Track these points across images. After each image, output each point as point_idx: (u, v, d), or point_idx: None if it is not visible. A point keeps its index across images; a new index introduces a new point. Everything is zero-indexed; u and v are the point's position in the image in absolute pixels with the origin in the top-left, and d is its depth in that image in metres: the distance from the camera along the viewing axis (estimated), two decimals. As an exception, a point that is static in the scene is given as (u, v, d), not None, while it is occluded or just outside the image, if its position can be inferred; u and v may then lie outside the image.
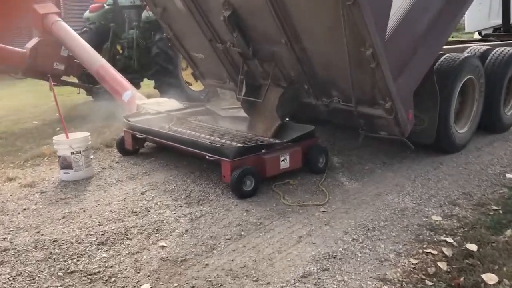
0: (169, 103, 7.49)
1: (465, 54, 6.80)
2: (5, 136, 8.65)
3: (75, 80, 11.42)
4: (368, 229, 4.44)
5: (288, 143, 5.70)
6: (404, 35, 5.16)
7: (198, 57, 7.33)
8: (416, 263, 3.88)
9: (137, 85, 12.28)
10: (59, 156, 5.85)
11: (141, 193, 5.37)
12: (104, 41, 11.51)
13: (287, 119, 6.43)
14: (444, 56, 6.60)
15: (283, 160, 5.54)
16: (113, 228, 4.49)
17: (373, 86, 5.28)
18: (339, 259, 3.91)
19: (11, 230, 4.52)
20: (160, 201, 5.12)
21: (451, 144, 6.72)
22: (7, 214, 4.91)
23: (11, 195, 5.47)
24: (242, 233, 4.36)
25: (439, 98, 6.09)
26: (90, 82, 10.83)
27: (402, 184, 5.65)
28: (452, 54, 6.68)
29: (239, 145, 5.71)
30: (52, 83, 10.41)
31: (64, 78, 10.68)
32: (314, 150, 5.95)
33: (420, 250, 4.09)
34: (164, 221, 4.62)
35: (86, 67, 9.23)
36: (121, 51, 11.74)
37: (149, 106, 7.17)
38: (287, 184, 5.61)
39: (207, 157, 5.35)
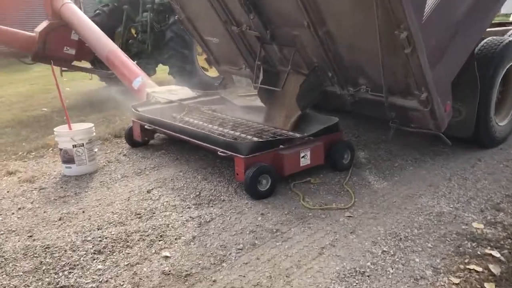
0: (181, 91, 6.98)
1: (508, 38, 6.08)
2: (12, 124, 8.28)
3: (87, 65, 11.00)
4: (400, 238, 3.88)
5: (309, 137, 5.13)
6: (443, 18, 4.51)
7: (212, 41, 6.78)
8: (458, 283, 3.32)
9: (151, 70, 11.84)
10: (61, 149, 5.40)
11: (147, 191, 4.89)
12: (117, 24, 11.04)
13: (308, 110, 5.83)
14: (485, 40, 5.90)
15: (303, 157, 4.99)
16: (112, 233, 4.02)
17: (407, 74, 4.66)
18: (368, 276, 3.37)
19: (2, 234, 4.09)
20: (167, 201, 4.63)
21: (491, 138, 6.05)
22: (0, 214, 4.49)
23: (8, 192, 5.06)
24: (256, 241, 3.84)
25: (479, 87, 5.43)
26: (102, 67, 10.38)
27: (437, 184, 5.04)
28: (494, 38, 5.97)
29: (254, 139, 5.17)
30: (62, 69, 10.16)
31: (75, 63, 10.25)
32: (338, 144, 5.37)
33: (462, 266, 3.52)
34: (170, 226, 4.13)
35: (96, 52, 8.75)
36: (135, 35, 11.25)
37: (159, 95, 6.67)
38: (308, 183, 5.06)
39: (218, 152, 4.83)
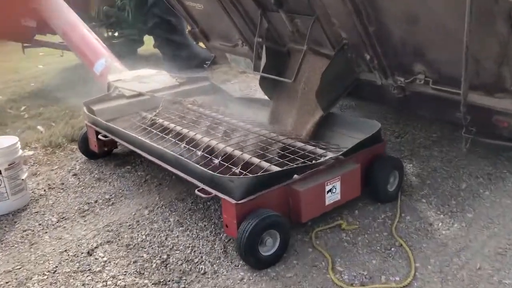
0: (156, 78, 5.13)
1: None
2: None
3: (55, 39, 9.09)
4: None
5: (340, 156, 3.31)
6: None
7: (195, 7, 4.87)
8: None
9: (138, 43, 9.94)
10: (-33, 179, 3.65)
11: (88, 253, 3.17)
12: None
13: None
14: None
15: (330, 191, 3.19)
16: None
17: (502, 61, 2.81)
18: None
19: None
20: (113, 276, 2.90)
21: None
22: None
23: None
24: None
25: None
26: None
27: (536, 225, 3.25)
28: None
29: (253, 160, 3.38)
30: (24, 45, 8.31)
31: (39, 37, 8.37)
32: (381, 164, 3.56)
33: None
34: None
35: (50, 25, 6.83)
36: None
37: (124, 85, 4.83)
38: (337, 231, 3.29)
39: (196, 191, 3.05)
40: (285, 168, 3.10)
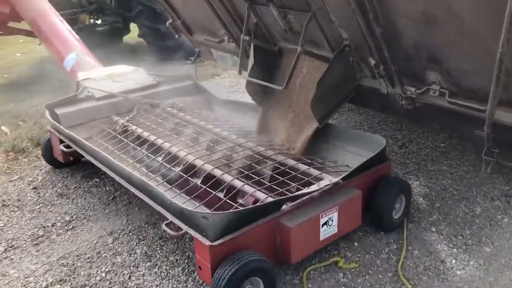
0: (132, 76, 4.55)
1: None
2: None
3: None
4: None
5: (340, 181, 2.78)
6: None
7: (176, -1, 4.29)
8: None
9: (124, 31, 9.33)
10: None
11: (35, 296, 2.63)
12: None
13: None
14: None
15: (326, 223, 2.67)
16: None
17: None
18: None
19: None
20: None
21: None
22: None
23: None
24: None
25: None
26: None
27: None
28: None
29: (235, 183, 2.85)
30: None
31: (13, 24, 7.72)
32: (386, 188, 3.04)
33: None
34: None
35: (18, 11, 6.19)
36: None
37: (94, 84, 4.26)
38: (333, 271, 2.77)
39: (163, 225, 2.52)
40: (270, 201, 2.56)
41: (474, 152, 4.22)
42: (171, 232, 2.47)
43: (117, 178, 3.08)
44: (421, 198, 3.53)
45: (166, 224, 2.52)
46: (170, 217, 2.55)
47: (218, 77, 7.32)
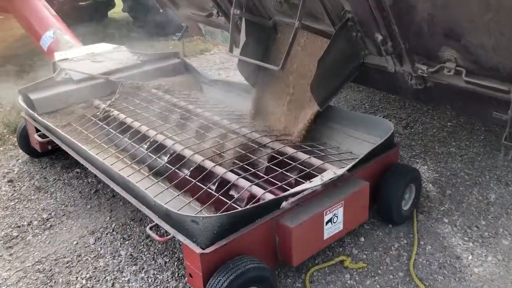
0: (114, 55, 4.19)
1: None
2: None
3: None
4: None
5: (345, 172, 2.49)
6: None
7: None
8: None
9: (109, 6, 8.86)
10: None
11: (6, 309, 2.36)
12: None
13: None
14: None
15: (330, 220, 2.40)
16: None
17: None
18: None
19: None
20: None
21: None
22: None
23: None
24: None
25: None
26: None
27: None
28: None
29: (230, 177, 2.56)
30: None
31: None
32: (395, 178, 2.76)
33: None
34: None
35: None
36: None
37: (72, 65, 3.90)
38: (339, 271, 2.51)
39: (148, 229, 2.23)
40: (268, 200, 2.26)
41: (484, 131, 3.95)
42: (157, 237, 2.19)
43: (97, 173, 2.77)
44: (430, 185, 3.26)
45: (150, 228, 2.23)
46: (156, 219, 2.26)
47: (208, 53, 6.94)
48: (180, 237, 2.12)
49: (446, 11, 2.24)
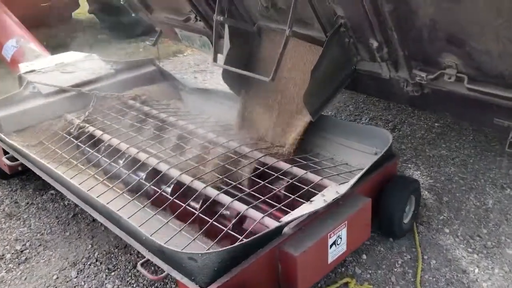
0: (85, 65, 3.91)
1: None
2: None
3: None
4: None
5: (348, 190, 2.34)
6: None
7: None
8: None
9: (74, 6, 8.44)
10: None
11: None
12: None
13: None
14: None
15: (335, 243, 2.25)
16: None
17: None
18: None
19: None
20: None
21: None
22: None
23: None
24: None
25: None
26: None
27: None
28: None
29: (224, 198, 2.38)
30: None
31: None
32: (395, 191, 2.63)
33: None
34: None
35: None
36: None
37: (40, 78, 3.61)
38: (345, 296, 2.38)
39: (139, 265, 2.03)
40: (270, 229, 2.08)
41: (472, 132, 3.89)
42: (150, 276, 1.98)
43: (77, 201, 2.53)
44: (427, 192, 3.16)
45: (142, 264, 2.03)
46: (147, 255, 2.06)
47: (181, 55, 6.69)
48: (177, 275, 1.93)
49: (451, 16, 2.10)
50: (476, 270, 2.51)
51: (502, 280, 2.44)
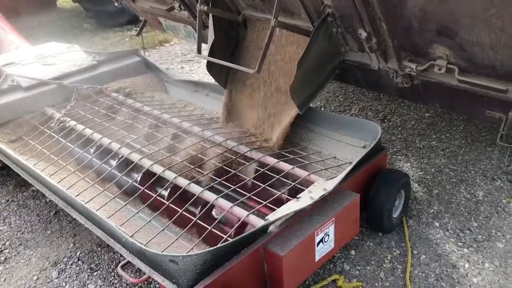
0: (66, 57, 3.79)
1: None
2: None
3: None
4: None
5: (336, 186, 2.27)
6: None
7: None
8: None
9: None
10: None
11: None
12: None
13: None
14: None
15: (322, 240, 2.19)
16: None
17: None
18: None
19: None
20: None
21: None
22: None
23: None
24: None
25: None
26: None
27: None
28: None
29: (209, 195, 2.30)
30: None
31: None
32: (385, 185, 2.57)
33: None
34: None
35: None
36: None
37: (19, 70, 3.49)
38: (333, 294, 2.33)
39: (119, 268, 1.95)
40: (255, 229, 2.01)
41: (462, 121, 3.84)
42: (130, 279, 1.91)
43: (54, 199, 2.44)
44: (416, 184, 3.11)
45: (122, 267, 1.95)
46: (128, 256, 1.98)
47: (168, 44, 6.56)
48: (158, 278, 1.86)
49: (441, 6, 2.02)
50: (466, 265, 2.47)
51: (493, 274, 2.40)
